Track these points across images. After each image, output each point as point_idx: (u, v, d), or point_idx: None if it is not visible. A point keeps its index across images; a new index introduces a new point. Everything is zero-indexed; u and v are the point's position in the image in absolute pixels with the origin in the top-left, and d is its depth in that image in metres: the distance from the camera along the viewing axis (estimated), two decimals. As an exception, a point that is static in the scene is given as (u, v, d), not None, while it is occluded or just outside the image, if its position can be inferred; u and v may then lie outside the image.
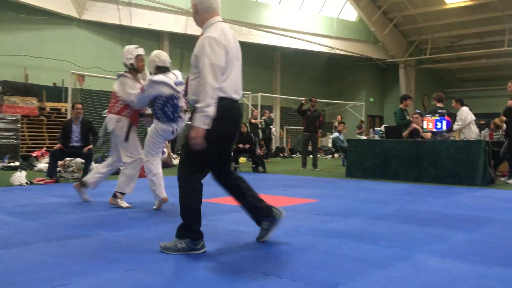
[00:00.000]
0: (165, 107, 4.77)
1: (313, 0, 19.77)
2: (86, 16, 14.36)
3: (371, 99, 24.46)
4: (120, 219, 4.35)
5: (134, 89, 4.99)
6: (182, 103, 4.83)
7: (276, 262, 2.94)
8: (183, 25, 15.58)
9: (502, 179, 8.38)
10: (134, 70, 5.21)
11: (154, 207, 5.02)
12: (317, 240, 3.57)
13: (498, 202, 5.72)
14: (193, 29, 15.73)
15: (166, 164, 11.10)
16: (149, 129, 5.15)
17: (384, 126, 9.95)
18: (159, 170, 5.13)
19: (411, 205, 5.45)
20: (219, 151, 3.18)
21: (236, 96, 3.16)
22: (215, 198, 5.68)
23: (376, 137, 9.79)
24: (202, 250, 3.10)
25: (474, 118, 9.17)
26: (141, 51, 5.28)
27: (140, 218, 4.47)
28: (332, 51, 20.76)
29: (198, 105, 2.97)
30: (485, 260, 3.00)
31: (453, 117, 8.86)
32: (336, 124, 15.44)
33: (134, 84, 5.08)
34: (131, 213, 4.72)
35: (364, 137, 13.00)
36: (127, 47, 5.36)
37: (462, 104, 9.21)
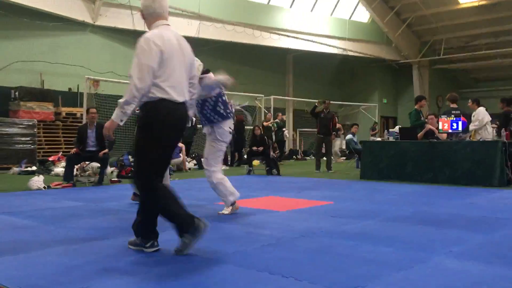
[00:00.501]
0: (217, 106, 4.67)
1: (325, 2, 19.73)
2: (100, 22, 14.51)
3: (385, 100, 24.31)
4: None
5: None
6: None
7: (294, 264, 2.94)
8: (196, 29, 15.66)
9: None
10: None
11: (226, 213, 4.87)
12: (333, 242, 3.56)
13: (516, 203, 5.65)
14: (205, 33, 15.83)
15: (178, 168, 11.17)
16: (207, 139, 4.94)
17: (399, 127, 9.89)
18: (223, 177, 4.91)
19: (428, 206, 5.40)
20: (164, 153, 3.15)
21: (180, 98, 3.12)
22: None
23: (391, 139, 9.73)
24: (154, 249, 3.19)
25: (490, 118, 9.10)
26: None
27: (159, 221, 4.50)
28: (345, 53, 20.68)
29: (120, 100, 3.02)
30: (504, 262, 2.97)
31: (467, 117, 8.79)
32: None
33: None
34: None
35: (378, 139, 12.92)
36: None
37: (479, 105, 9.13)
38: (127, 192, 6.87)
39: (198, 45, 16.43)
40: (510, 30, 19.75)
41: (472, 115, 9.11)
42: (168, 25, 3.26)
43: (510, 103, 9.10)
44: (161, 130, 3.05)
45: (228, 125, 4.80)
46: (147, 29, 3.27)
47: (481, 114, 8.90)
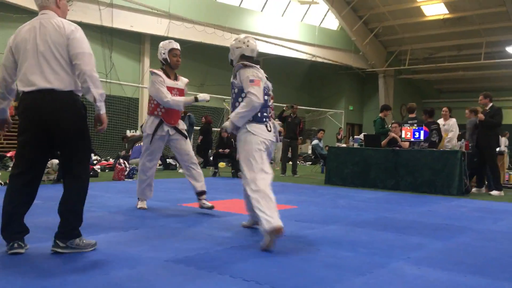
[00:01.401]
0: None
1: (296, 8, 19.92)
2: (67, 16, 14.16)
3: (351, 107, 24.72)
4: (98, 222, 4.28)
5: (163, 86, 4.82)
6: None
7: (256, 267, 2.93)
8: (165, 28, 15.51)
9: (474, 190, 8.53)
10: (169, 65, 4.96)
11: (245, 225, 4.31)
12: (296, 246, 3.57)
13: (473, 212, 5.83)
14: (175, 32, 15.69)
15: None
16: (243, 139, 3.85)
17: (364, 135, 10.06)
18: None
19: (389, 213, 5.51)
20: (29, 145, 3.06)
21: (27, 88, 3.03)
22: (190, 203, 5.65)
23: (356, 145, 9.89)
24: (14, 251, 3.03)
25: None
26: (175, 45, 4.97)
27: (121, 221, 4.40)
28: (314, 59, 20.92)
29: None
30: (461, 269, 3.05)
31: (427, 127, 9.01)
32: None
33: (165, 80, 4.88)
34: (108, 216, 4.65)
35: (343, 145, 13.11)
36: (162, 42, 5.08)
37: (450, 115, 9.51)
38: (88, 191, 6.71)
39: (167, 45, 16.42)
40: (473, 44, 20.45)
41: (443, 124, 9.35)
42: (44, 13, 3.12)
43: (432, 114, 9.55)
44: (19, 122, 3.10)
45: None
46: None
47: (455, 126, 9.36)
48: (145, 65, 16.55)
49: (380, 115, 9.92)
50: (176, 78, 5.08)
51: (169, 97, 4.82)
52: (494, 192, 8.10)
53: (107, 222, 4.32)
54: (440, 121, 9.43)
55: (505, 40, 19.15)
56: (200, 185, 5.10)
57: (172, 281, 2.63)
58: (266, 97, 3.86)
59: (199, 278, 2.68)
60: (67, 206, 3.11)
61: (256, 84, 3.68)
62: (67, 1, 3.42)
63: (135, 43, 16.34)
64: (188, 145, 5.13)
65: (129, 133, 15.18)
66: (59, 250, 3.06)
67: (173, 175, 10.30)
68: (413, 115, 9.24)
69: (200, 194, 5.12)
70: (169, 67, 4.96)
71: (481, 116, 8.15)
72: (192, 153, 5.19)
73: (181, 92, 5.07)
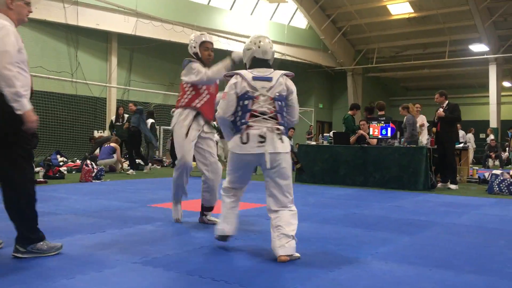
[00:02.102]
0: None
1: (265, 7, 19.96)
2: (30, 14, 13.75)
3: (321, 105, 24.96)
4: (64, 225, 4.18)
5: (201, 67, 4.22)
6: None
7: (225, 267, 2.91)
8: (133, 26, 15.26)
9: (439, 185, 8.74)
10: (200, 60, 4.34)
11: None
12: (266, 244, 3.57)
13: (438, 207, 5.97)
14: (142, 31, 15.47)
15: (111, 169, 10.82)
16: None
17: (333, 132, 10.17)
18: None
19: (358, 209, 5.58)
20: None
21: None
22: (160, 203, 5.60)
23: (325, 143, 9.99)
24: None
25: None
26: (207, 37, 4.41)
27: (88, 223, 4.31)
28: (283, 57, 21.00)
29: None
30: (426, 262, 3.11)
31: (397, 124, 9.20)
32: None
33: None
34: (74, 219, 4.55)
35: (313, 143, 13.21)
36: (194, 34, 4.55)
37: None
38: (53, 193, 6.56)
39: (135, 43, 16.20)
40: (438, 42, 20.96)
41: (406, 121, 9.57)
42: None
43: (372, 111, 9.97)
44: None
45: None
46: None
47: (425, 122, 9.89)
48: (113, 64, 16.26)
49: (349, 112, 10.07)
50: None
51: (205, 71, 4.17)
52: (452, 186, 8.35)
53: (73, 225, 4.22)
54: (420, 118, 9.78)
55: (468, 39, 19.70)
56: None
57: (140, 283, 2.58)
58: (246, 102, 3.27)
59: (168, 280, 2.65)
60: (12, 213, 3.00)
61: (223, 97, 3.36)
62: (26, 3, 3.27)
63: (102, 41, 16.02)
64: (215, 148, 4.48)
65: (96, 133, 14.89)
66: (19, 255, 2.97)
67: (143, 176, 10.16)
68: (382, 113, 9.44)
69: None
70: (201, 63, 4.35)
71: (440, 112, 8.38)
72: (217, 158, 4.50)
73: (216, 87, 4.50)
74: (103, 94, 16.07)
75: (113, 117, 12.32)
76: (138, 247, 3.38)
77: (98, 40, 15.81)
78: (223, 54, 4.34)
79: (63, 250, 3.16)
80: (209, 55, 4.37)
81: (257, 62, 3.40)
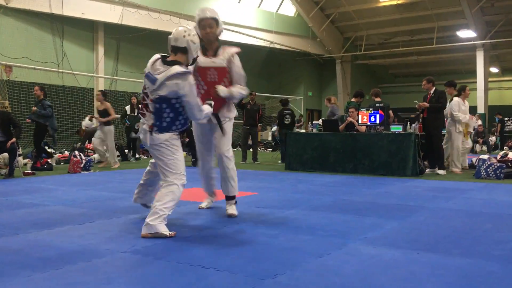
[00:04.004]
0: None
1: (253, -6, 19.84)
2: (14, 4, 13.51)
3: (310, 93, 24.96)
4: (52, 216, 4.16)
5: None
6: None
7: (215, 254, 2.92)
8: (119, 15, 15.07)
9: (427, 170, 8.82)
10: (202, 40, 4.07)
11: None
12: (256, 232, 3.59)
13: (426, 192, 6.02)
14: (129, 20, 15.29)
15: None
16: None
17: (322, 120, 10.19)
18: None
19: (347, 195, 5.62)
20: None
21: None
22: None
23: (315, 131, 10.00)
24: None
25: None
26: (205, 13, 4.07)
27: (77, 214, 4.29)
28: (272, 46, 20.93)
29: None
30: (415, 246, 3.15)
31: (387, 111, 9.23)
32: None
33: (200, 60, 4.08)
34: (63, 210, 4.52)
35: (303, 131, 13.23)
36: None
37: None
38: (41, 185, 6.51)
39: (121, 32, 16.02)
40: (425, 29, 20.99)
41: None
42: None
43: (286, 103, 11.35)
44: None
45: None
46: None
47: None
48: (99, 54, 16.08)
49: (353, 100, 10.24)
50: (216, 54, 4.16)
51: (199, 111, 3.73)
52: (440, 171, 8.43)
53: (62, 216, 4.20)
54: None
55: (456, 25, 19.73)
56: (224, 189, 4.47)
57: (129, 271, 2.58)
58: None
59: (158, 268, 2.65)
60: None
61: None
62: None
63: (88, 31, 15.81)
64: (223, 140, 4.32)
65: (84, 124, 14.75)
66: None
67: (130, 166, 10.12)
68: (379, 99, 9.59)
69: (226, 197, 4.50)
70: (205, 46, 4.13)
71: (424, 104, 8.44)
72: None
73: (220, 72, 4.15)
74: (90, 85, 15.91)
75: (127, 107, 12.22)
76: (127, 237, 3.38)
77: (84, 30, 15.61)
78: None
79: (52, 240, 3.15)
80: (206, 33, 4.05)
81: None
